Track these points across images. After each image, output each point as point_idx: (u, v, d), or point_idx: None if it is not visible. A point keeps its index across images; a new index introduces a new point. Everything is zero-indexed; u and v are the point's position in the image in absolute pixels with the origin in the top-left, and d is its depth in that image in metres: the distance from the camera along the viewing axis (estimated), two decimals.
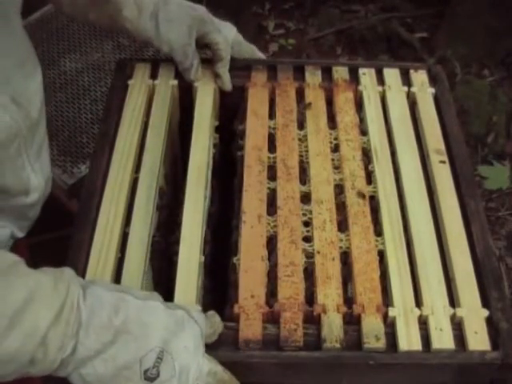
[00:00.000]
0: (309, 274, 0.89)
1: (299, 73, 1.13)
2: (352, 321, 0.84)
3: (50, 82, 1.59)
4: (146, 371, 0.71)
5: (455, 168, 1.00)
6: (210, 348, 0.80)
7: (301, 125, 1.06)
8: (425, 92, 1.11)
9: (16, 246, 0.96)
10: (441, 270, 0.88)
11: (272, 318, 0.84)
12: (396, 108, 1.08)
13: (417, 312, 0.84)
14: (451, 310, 0.84)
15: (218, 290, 0.95)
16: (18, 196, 0.89)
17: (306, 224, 0.94)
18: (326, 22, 2.77)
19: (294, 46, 2.71)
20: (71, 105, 1.57)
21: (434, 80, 1.13)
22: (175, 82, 1.09)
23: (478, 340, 0.82)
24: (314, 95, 1.10)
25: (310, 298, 0.86)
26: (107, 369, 0.71)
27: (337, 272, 0.88)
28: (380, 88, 1.11)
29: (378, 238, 0.92)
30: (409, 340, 0.81)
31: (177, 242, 0.90)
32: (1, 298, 0.66)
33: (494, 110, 2.37)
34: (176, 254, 0.89)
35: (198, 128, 1.03)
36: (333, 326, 0.82)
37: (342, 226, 0.94)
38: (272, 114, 1.07)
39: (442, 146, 1.03)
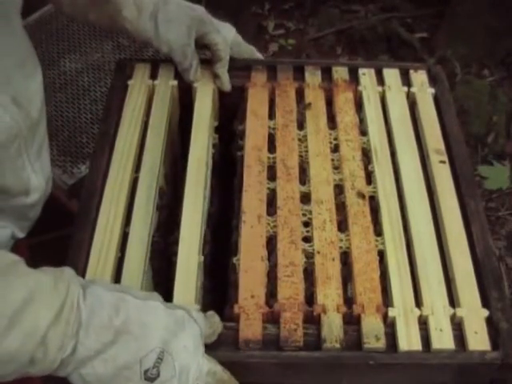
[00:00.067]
0: (309, 274, 0.89)
1: (299, 73, 1.13)
2: (352, 321, 0.84)
3: (50, 82, 1.59)
4: (146, 371, 0.71)
5: (455, 168, 1.00)
6: (210, 348, 0.80)
7: (301, 125, 1.06)
8: (425, 92, 1.11)
9: (16, 246, 0.96)
10: (441, 270, 0.88)
11: (272, 318, 0.84)
12: (396, 108, 1.08)
13: (417, 312, 0.84)
14: (451, 310, 0.84)
15: (218, 290, 0.95)
16: (18, 196, 0.89)
17: (306, 224, 0.94)
18: (326, 22, 2.77)
19: (294, 46, 2.71)
20: (71, 105, 1.57)
21: (433, 80, 1.13)
22: (175, 83, 1.09)
23: (478, 340, 0.82)
24: (314, 95, 1.10)
25: (310, 298, 0.86)
26: (107, 369, 0.71)
27: (337, 272, 0.88)
28: (380, 88, 1.11)
29: (378, 238, 0.92)
30: (409, 340, 0.81)
31: (176, 242, 0.90)
32: (0, 297, 0.66)
33: (494, 110, 2.37)
34: (175, 254, 0.89)
35: (197, 128, 1.03)
36: (333, 326, 0.82)
37: (342, 226, 0.94)
38: (272, 114, 1.07)
39: (442, 146, 1.03)
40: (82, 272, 0.85)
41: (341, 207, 0.96)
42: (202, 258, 0.90)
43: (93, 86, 1.61)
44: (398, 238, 0.91)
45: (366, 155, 1.03)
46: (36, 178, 0.91)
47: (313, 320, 0.84)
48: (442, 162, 1.01)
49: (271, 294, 0.87)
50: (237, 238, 0.93)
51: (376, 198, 0.97)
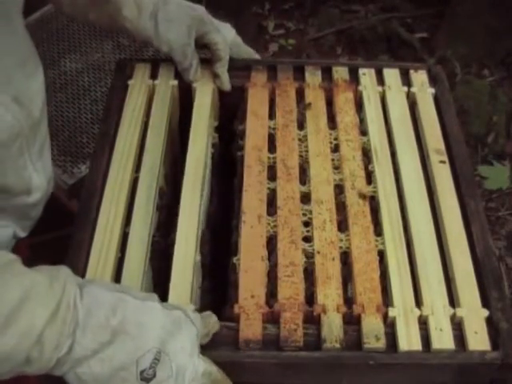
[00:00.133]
0: (309, 274, 0.89)
1: (299, 73, 1.13)
2: (352, 321, 0.84)
3: (50, 82, 1.59)
4: (142, 372, 0.71)
5: (455, 168, 1.00)
6: (211, 348, 0.80)
7: (301, 125, 1.06)
8: (425, 92, 1.11)
9: (16, 246, 0.96)
10: (441, 270, 0.88)
11: (272, 318, 0.84)
12: (396, 108, 1.08)
13: (417, 312, 0.84)
14: (451, 310, 0.84)
15: (219, 289, 0.95)
16: (19, 195, 0.89)
17: (306, 224, 0.94)
18: (326, 22, 2.77)
19: (294, 46, 2.71)
20: (71, 105, 1.57)
21: (434, 80, 1.13)
22: (175, 82, 1.09)
23: (478, 340, 0.82)
24: (314, 95, 1.10)
25: (310, 298, 0.86)
26: (103, 369, 0.71)
27: (337, 272, 0.88)
28: (380, 88, 1.11)
29: (378, 238, 0.92)
30: (409, 340, 0.82)
31: (173, 243, 0.90)
32: None
33: (494, 110, 2.37)
34: (172, 254, 0.89)
35: (196, 128, 1.03)
36: (333, 326, 0.82)
37: (342, 226, 0.94)
38: (272, 114, 1.07)
39: (442, 146, 1.03)
40: (81, 272, 0.85)
41: (341, 207, 0.96)
42: (199, 258, 0.90)
43: (93, 86, 1.61)
44: (398, 238, 0.91)
45: (366, 155, 1.03)
46: (38, 177, 0.91)
47: (313, 320, 0.84)
48: (442, 161, 1.01)
49: (271, 293, 0.87)
50: (237, 238, 0.93)
51: (376, 198, 0.97)
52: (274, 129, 1.05)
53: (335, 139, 1.04)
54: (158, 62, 1.13)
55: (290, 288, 0.86)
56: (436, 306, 0.84)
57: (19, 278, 0.68)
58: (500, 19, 2.45)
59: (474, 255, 0.90)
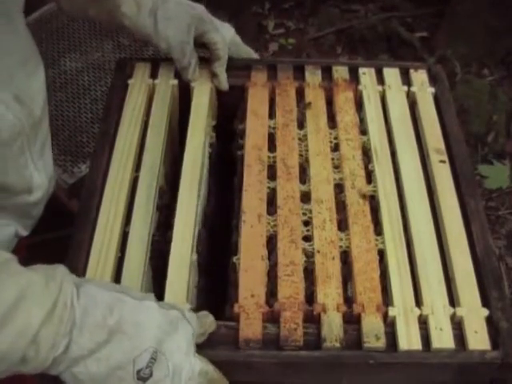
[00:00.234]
0: (309, 273, 0.89)
1: (299, 72, 1.13)
2: (352, 320, 0.84)
3: (50, 81, 1.59)
4: (138, 371, 0.71)
5: (455, 167, 1.00)
6: (211, 347, 0.80)
7: (301, 124, 1.06)
8: (425, 92, 1.11)
9: (16, 246, 0.96)
10: (441, 270, 0.88)
11: (272, 318, 0.84)
12: (396, 108, 1.08)
13: (417, 311, 0.84)
14: (451, 310, 0.84)
15: (216, 289, 0.95)
16: (21, 194, 0.89)
17: (306, 223, 0.94)
18: (326, 21, 2.77)
19: (294, 46, 2.71)
20: (71, 104, 1.57)
21: (433, 79, 1.13)
22: (175, 82, 1.09)
23: (478, 339, 0.82)
24: (314, 95, 1.10)
25: (310, 298, 0.86)
26: (100, 368, 0.71)
27: (337, 271, 0.88)
28: (380, 87, 1.11)
29: (378, 238, 0.92)
30: (409, 339, 0.82)
31: (170, 241, 0.90)
32: None
33: (494, 110, 2.36)
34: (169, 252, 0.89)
35: (193, 127, 1.03)
36: (333, 326, 0.82)
37: (342, 225, 0.94)
38: (272, 114, 1.07)
39: (442, 146, 1.03)
40: (81, 272, 0.85)
41: (341, 206, 0.96)
42: (195, 257, 0.90)
43: (93, 86, 1.62)
44: (398, 238, 0.91)
45: (366, 154, 1.03)
46: (39, 176, 0.91)
47: (313, 319, 0.84)
48: (442, 161, 1.01)
49: (271, 293, 0.87)
50: (237, 238, 0.93)
51: (376, 198, 0.97)
52: (274, 128, 1.05)
53: (335, 138, 1.04)
54: (158, 61, 1.13)
55: (290, 287, 0.86)
56: (436, 306, 0.84)
57: (15, 278, 0.68)
58: (500, 18, 2.45)
59: (473, 255, 0.90)
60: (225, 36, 1.10)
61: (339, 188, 0.98)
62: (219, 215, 1.07)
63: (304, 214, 0.94)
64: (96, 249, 0.88)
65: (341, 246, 0.91)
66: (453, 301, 0.86)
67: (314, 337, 0.82)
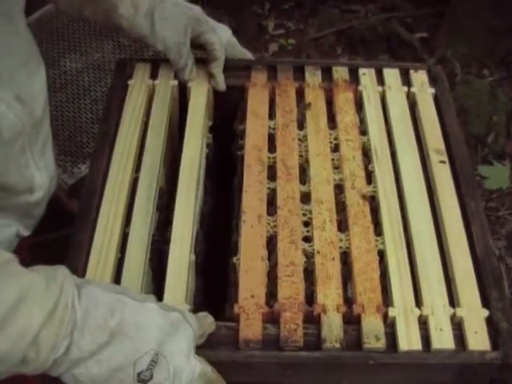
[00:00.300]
0: (309, 273, 0.89)
1: (299, 73, 1.13)
2: (352, 321, 0.84)
3: (51, 82, 1.59)
4: (139, 373, 0.71)
5: (455, 168, 1.00)
6: (210, 348, 0.80)
7: (301, 125, 1.06)
8: (425, 92, 1.11)
9: (17, 247, 0.96)
10: (441, 270, 0.88)
11: (272, 318, 0.84)
12: (396, 108, 1.08)
13: (417, 312, 0.84)
14: (451, 310, 0.84)
15: (213, 289, 0.95)
16: (22, 194, 0.89)
17: (306, 224, 0.94)
18: (326, 21, 2.77)
19: (294, 46, 2.71)
20: (71, 105, 1.58)
21: (434, 80, 1.13)
22: (175, 82, 1.09)
23: (478, 340, 0.82)
24: (314, 95, 1.10)
25: (310, 298, 0.87)
26: (100, 370, 0.71)
27: (337, 272, 0.88)
28: (380, 88, 1.11)
29: (378, 238, 0.92)
30: (409, 340, 0.82)
31: (168, 241, 0.90)
32: None
33: (494, 110, 2.36)
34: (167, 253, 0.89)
35: (190, 128, 1.03)
36: (333, 326, 0.82)
37: (342, 225, 0.94)
38: (272, 114, 1.07)
39: (442, 146, 1.03)
40: (81, 272, 0.85)
41: (341, 207, 0.96)
42: (194, 257, 0.90)
43: (93, 86, 1.62)
44: (398, 238, 0.91)
45: (366, 155, 1.03)
46: (40, 175, 0.91)
47: (313, 320, 0.84)
48: (442, 161, 1.01)
49: (271, 293, 0.87)
50: (237, 238, 0.93)
51: (376, 198, 0.97)
52: (274, 129, 1.05)
53: (335, 139, 1.04)
54: (158, 62, 1.13)
55: (290, 288, 0.86)
56: (436, 306, 0.84)
57: (16, 279, 0.68)
58: (500, 18, 2.45)
59: (474, 255, 0.90)
60: (221, 37, 1.10)
61: (339, 188, 0.98)
62: (217, 215, 1.07)
63: (304, 214, 0.94)
64: (96, 249, 0.88)
65: (341, 247, 0.91)
66: (453, 301, 0.86)
67: (314, 337, 0.82)
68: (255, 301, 0.84)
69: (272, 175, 0.99)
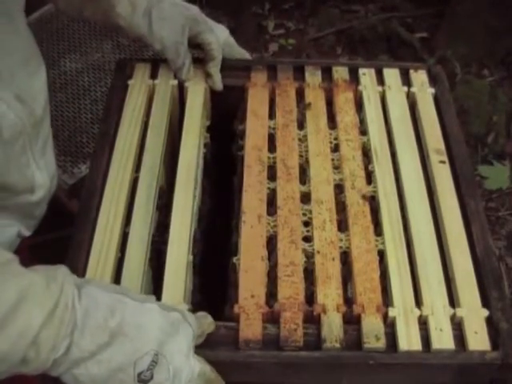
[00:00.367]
0: (309, 273, 0.89)
1: (299, 73, 1.13)
2: (352, 321, 0.84)
3: (50, 82, 1.59)
4: (139, 374, 0.71)
5: (455, 168, 1.00)
6: (210, 348, 0.80)
7: (301, 125, 1.06)
8: (425, 92, 1.11)
9: (18, 247, 0.96)
10: (441, 270, 0.88)
11: (272, 318, 0.84)
12: (396, 108, 1.08)
13: (417, 312, 0.84)
14: (451, 310, 0.84)
15: (217, 289, 0.95)
16: (23, 194, 0.89)
17: (306, 224, 0.94)
18: (326, 21, 2.77)
19: (294, 46, 2.71)
20: (71, 105, 1.58)
21: (434, 80, 1.13)
22: (175, 82, 1.09)
23: (478, 340, 0.82)
24: (314, 95, 1.10)
25: (310, 298, 0.87)
26: (101, 370, 0.71)
27: (337, 272, 0.88)
28: (380, 88, 1.11)
29: (378, 238, 0.92)
30: (409, 340, 0.82)
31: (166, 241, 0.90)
32: None
33: (494, 110, 2.36)
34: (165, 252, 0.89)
35: (187, 128, 1.03)
36: (333, 326, 0.82)
37: (342, 225, 0.94)
38: (272, 114, 1.07)
39: (442, 146, 1.03)
40: (81, 272, 0.85)
41: (341, 207, 0.96)
42: (192, 257, 0.90)
43: (93, 86, 1.62)
44: (398, 238, 0.91)
45: (366, 155, 1.03)
46: (41, 175, 0.91)
47: (313, 320, 0.84)
48: (442, 161, 1.01)
49: (271, 293, 0.87)
50: (237, 238, 0.93)
51: (376, 198, 0.97)
52: (273, 129, 1.05)
53: (335, 139, 1.04)
54: (158, 62, 1.13)
55: (290, 288, 0.86)
56: (436, 306, 0.84)
57: (16, 279, 0.68)
58: (500, 19, 2.45)
59: (474, 255, 0.90)
60: (219, 37, 1.10)
61: (339, 188, 0.98)
62: (216, 215, 1.07)
63: (304, 214, 0.94)
64: (96, 249, 0.88)
65: (341, 247, 0.91)
66: (453, 301, 0.86)
67: (314, 337, 0.82)
68: (255, 301, 0.84)
69: (272, 175, 0.99)
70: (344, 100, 1.09)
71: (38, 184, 0.91)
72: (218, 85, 1.10)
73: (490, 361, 0.81)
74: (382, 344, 0.81)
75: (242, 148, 1.04)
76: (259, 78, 1.12)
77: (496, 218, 2.19)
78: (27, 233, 0.96)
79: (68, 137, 1.52)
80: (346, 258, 0.91)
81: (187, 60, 1.08)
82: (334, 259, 0.89)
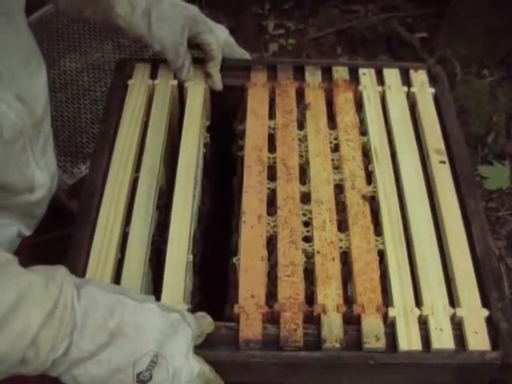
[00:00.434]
0: (309, 273, 0.89)
1: (299, 73, 1.13)
2: (352, 321, 0.84)
3: (50, 82, 1.58)
4: (138, 374, 0.71)
5: (455, 168, 1.00)
6: (211, 348, 0.80)
7: (301, 125, 1.06)
8: (425, 92, 1.11)
9: (18, 246, 0.96)
10: (441, 270, 0.88)
11: (272, 318, 0.84)
12: (396, 108, 1.08)
13: (417, 312, 0.84)
14: (451, 310, 0.84)
15: (216, 289, 0.95)
16: (22, 193, 0.89)
17: (306, 224, 0.94)
18: (326, 21, 2.77)
19: (294, 46, 2.71)
20: (71, 105, 1.58)
21: (434, 80, 1.13)
22: (175, 82, 1.09)
23: (478, 340, 0.82)
24: (314, 95, 1.10)
25: (310, 298, 0.86)
26: (100, 371, 0.71)
27: (337, 272, 0.88)
28: (380, 88, 1.11)
29: (378, 238, 0.92)
30: (409, 340, 0.82)
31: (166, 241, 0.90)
32: None
33: (494, 110, 2.36)
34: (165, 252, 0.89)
35: (187, 128, 1.03)
36: (333, 326, 0.82)
37: (342, 226, 0.94)
38: (272, 114, 1.07)
39: (442, 146, 1.03)
40: (81, 272, 0.85)
41: (341, 207, 0.96)
42: (191, 257, 0.90)
43: (93, 86, 1.62)
44: (398, 238, 0.91)
45: (366, 155, 1.03)
46: (41, 174, 0.91)
47: (313, 320, 0.84)
48: (442, 162, 1.01)
49: (271, 293, 0.87)
50: (237, 238, 0.93)
51: (376, 198, 0.97)
52: (273, 129, 1.05)
53: (335, 139, 1.04)
54: (158, 62, 1.13)
55: (290, 288, 0.86)
56: (436, 306, 0.84)
57: (16, 279, 0.68)
58: (500, 19, 2.45)
59: (474, 255, 0.90)
60: (219, 37, 1.10)
61: (339, 189, 0.98)
62: (216, 215, 1.07)
63: (304, 214, 0.94)
64: (96, 249, 0.88)
65: (341, 247, 0.91)
66: (453, 301, 0.86)
67: (314, 337, 0.82)
68: (255, 301, 0.84)
69: (272, 175, 0.99)
70: (344, 100, 1.09)
71: (38, 184, 0.91)
72: (218, 84, 1.10)
73: (490, 361, 0.81)
74: (382, 344, 0.81)
75: (241, 148, 1.04)
76: (259, 78, 1.12)
77: (496, 218, 2.19)
78: (28, 232, 0.96)
79: (68, 137, 1.52)
80: (346, 258, 0.91)
81: (187, 60, 1.08)
82: (334, 259, 0.89)
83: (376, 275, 0.88)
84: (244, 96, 1.10)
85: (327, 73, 1.13)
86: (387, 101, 1.09)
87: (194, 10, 1.08)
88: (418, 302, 0.85)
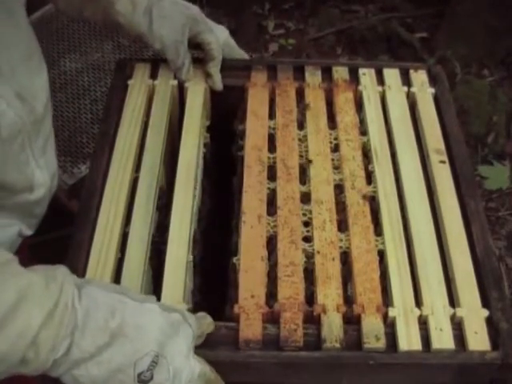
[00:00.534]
0: (309, 273, 0.89)
1: (299, 73, 1.13)
2: (352, 321, 0.84)
3: (50, 82, 1.58)
4: (139, 374, 0.71)
5: (455, 168, 1.00)
6: (211, 348, 0.80)
7: (301, 125, 1.06)
8: (425, 92, 1.11)
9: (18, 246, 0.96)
10: (441, 270, 0.88)
11: (272, 318, 0.84)
12: (396, 108, 1.08)
13: (417, 312, 0.84)
14: (451, 310, 0.84)
15: (216, 289, 0.95)
16: (22, 193, 0.88)
17: (306, 224, 0.94)
18: (326, 22, 2.77)
19: (294, 46, 2.71)
20: (71, 105, 1.58)
21: (434, 80, 1.13)
22: (175, 82, 1.09)
23: (478, 340, 0.82)
24: (314, 95, 1.10)
25: (310, 298, 0.86)
26: (101, 371, 0.71)
27: (337, 272, 0.88)
28: (380, 88, 1.11)
29: (378, 238, 0.92)
30: (409, 340, 0.82)
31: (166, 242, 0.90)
32: None
33: (494, 110, 2.36)
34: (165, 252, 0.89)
35: (187, 128, 1.03)
36: (333, 326, 0.82)
37: (342, 225, 0.94)
38: (272, 114, 1.07)
39: (442, 146, 1.03)
40: (81, 272, 0.85)
41: (341, 207, 0.96)
42: (191, 257, 0.90)
43: (93, 86, 1.62)
44: (398, 238, 0.91)
45: (366, 155, 1.03)
46: (41, 173, 0.91)
47: (313, 320, 0.84)
48: (442, 162, 1.01)
49: (271, 293, 0.87)
50: (237, 239, 0.93)
51: (376, 198, 0.97)
52: (273, 129, 1.05)
53: (335, 139, 1.04)
54: (158, 62, 1.13)
55: (290, 288, 0.86)
56: (436, 306, 0.84)
57: (16, 279, 0.68)
58: (500, 19, 2.45)
59: (474, 255, 0.90)
60: (219, 37, 1.10)
61: (339, 189, 0.98)
62: (217, 216, 1.07)
63: (304, 214, 0.94)
64: (96, 249, 0.88)
65: (341, 247, 0.91)
66: (453, 301, 0.86)
67: (314, 337, 0.82)
68: (255, 301, 0.84)
69: (272, 175, 0.99)
70: (344, 100, 1.09)
71: (38, 183, 0.91)
72: (218, 84, 1.10)
73: (490, 361, 0.81)
74: (382, 344, 0.81)
75: (241, 148, 1.04)
76: (259, 77, 1.12)
77: (496, 218, 2.19)
78: (29, 232, 0.96)
79: (68, 137, 1.52)
80: (346, 258, 0.91)
81: (187, 60, 1.08)
82: (334, 259, 0.89)
83: (376, 275, 0.88)
84: (244, 96, 1.10)
85: (327, 73, 1.13)
86: (387, 101, 1.09)
87: (194, 9, 1.08)
88: (418, 302, 0.85)
